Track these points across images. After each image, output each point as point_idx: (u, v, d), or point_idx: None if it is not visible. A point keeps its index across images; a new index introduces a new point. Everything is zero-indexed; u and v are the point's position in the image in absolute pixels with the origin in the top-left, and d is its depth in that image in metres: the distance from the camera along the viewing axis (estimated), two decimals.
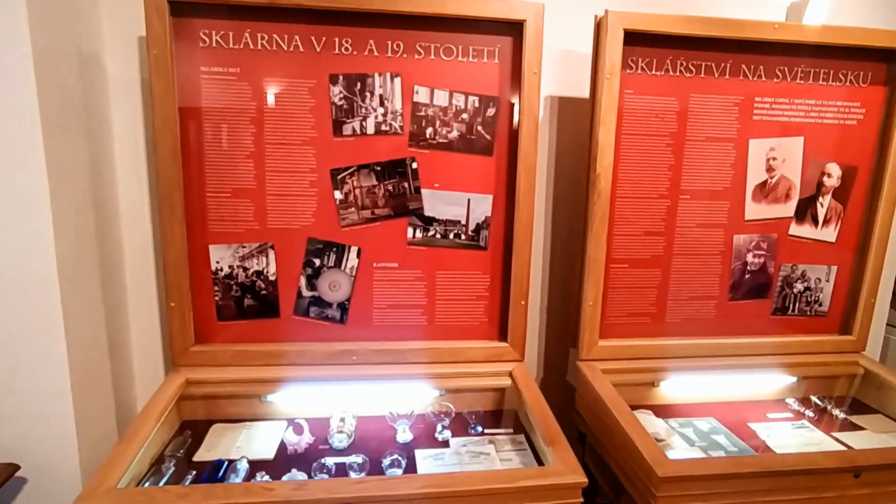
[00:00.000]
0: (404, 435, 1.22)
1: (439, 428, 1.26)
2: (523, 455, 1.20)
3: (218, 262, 1.31)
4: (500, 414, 1.36)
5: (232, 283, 1.32)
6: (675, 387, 1.44)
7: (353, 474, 1.08)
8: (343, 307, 1.37)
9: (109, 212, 1.39)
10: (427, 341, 1.37)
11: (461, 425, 1.29)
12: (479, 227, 1.36)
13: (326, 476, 1.07)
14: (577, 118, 1.54)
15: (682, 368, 1.44)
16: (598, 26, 1.30)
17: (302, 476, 1.08)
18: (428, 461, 1.17)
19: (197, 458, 1.15)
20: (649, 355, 1.44)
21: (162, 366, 1.53)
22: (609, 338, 1.43)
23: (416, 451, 1.19)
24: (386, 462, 1.11)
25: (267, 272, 1.33)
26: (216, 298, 1.32)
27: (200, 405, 1.28)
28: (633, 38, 1.29)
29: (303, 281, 1.34)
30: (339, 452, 1.18)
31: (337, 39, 1.24)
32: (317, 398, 1.32)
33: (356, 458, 1.11)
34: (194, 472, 1.09)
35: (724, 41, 1.32)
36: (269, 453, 1.17)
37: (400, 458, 1.11)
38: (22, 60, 1.07)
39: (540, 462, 1.15)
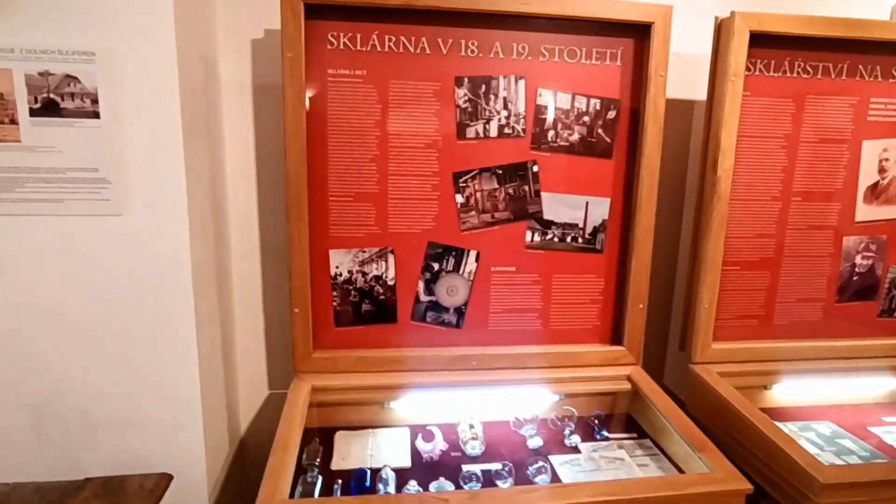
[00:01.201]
0: (534, 441, 1.21)
1: (567, 433, 1.25)
2: (658, 460, 1.19)
3: (337, 267, 1.30)
4: (619, 418, 1.35)
5: (350, 288, 1.31)
6: (786, 390, 1.43)
7: (500, 483, 1.07)
8: (460, 312, 1.35)
9: (222, 217, 1.39)
10: (544, 346, 1.36)
11: (584, 430, 1.28)
12: (595, 231, 1.35)
13: (477, 485, 1.06)
14: (677, 119, 1.53)
15: (793, 371, 1.44)
16: (720, 28, 1.30)
17: (449, 486, 1.07)
18: (565, 467, 1.16)
19: (335, 466, 1.14)
20: (760, 358, 1.43)
21: (265, 371, 1.53)
22: (720, 340, 1.43)
23: (549, 456, 1.18)
24: (532, 469, 1.10)
25: (386, 277, 1.32)
26: (334, 304, 1.31)
27: (322, 412, 1.26)
28: (753, 40, 1.28)
29: (421, 285, 1.33)
30: (474, 459, 1.17)
31: (463, 41, 1.23)
32: (437, 404, 1.31)
33: (494, 465, 1.10)
34: (340, 482, 1.08)
35: (842, 41, 1.32)
36: (404, 461, 1.16)
37: (545, 465, 1.10)
38: (168, 66, 1.06)
39: (679, 468, 1.15)
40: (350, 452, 1.19)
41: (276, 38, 1.32)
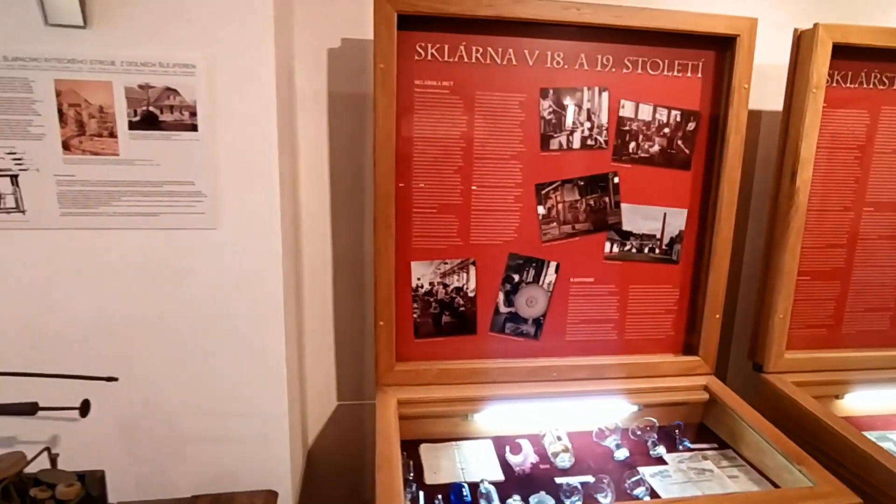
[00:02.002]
0: (621, 452, 1.21)
1: (650, 443, 1.25)
2: (746, 472, 1.19)
3: (419, 279, 1.29)
4: (695, 427, 1.36)
5: (431, 300, 1.30)
6: (857, 399, 1.44)
7: (601, 497, 1.07)
8: (538, 323, 1.35)
9: (298, 228, 1.38)
10: (621, 356, 1.37)
11: (665, 440, 1.27)
12: (672, 241, 1.36)
13: (579, 499, 1.05)
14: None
15: (862, 380, 1.45)
16: (800, 39, 1.30)
17: (550, 501, 1.07)
18: (656, 480, 1.16)
19: (428, 480, 1.13)
20: (830, 367, 1.44)
21: (334, 383, 1.52)
22: (790, 350, 1.44)
23: (638, 468, 1.18)
24: (629, 482, 1.10)
25: (466, 288, 1.31)
26: (415, 316, 1.30)
27: (405, 425, 1.25)
28: (833, 52, 1.29)
29: (501, 297, 1.33)
30: (564, 472, 1.17)
31: (550, 53, 1.22)
32: (518, 415, 1.31)
33: (586, 478, 1.10)
34: (440, 496, 1.07)
35: None
36: (496, 474, 1.16)
37: (642, 479, 1.10)
38: (266, 77, 1.05)
39: (771, 481, 1.15)
40: (440, 466, 1.19)
41: (352, 48, 1.32)
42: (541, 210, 1.30)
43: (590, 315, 1.37)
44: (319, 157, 1.38)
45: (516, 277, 1.32)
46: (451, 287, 1.30)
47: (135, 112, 1.03)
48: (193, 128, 1.04)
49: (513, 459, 1.18)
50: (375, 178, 1.18)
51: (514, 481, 1.15)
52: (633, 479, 1.10)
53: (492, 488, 1.08)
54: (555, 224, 1.31)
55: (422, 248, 1.28)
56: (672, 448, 1.26)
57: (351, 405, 1.51)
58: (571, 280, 1.34)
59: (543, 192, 1.29)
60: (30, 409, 0.74)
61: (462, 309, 1.32)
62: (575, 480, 1.10)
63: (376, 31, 1.13)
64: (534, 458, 1.18)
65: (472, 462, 1.21)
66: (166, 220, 1.06)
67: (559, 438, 1.22)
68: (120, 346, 1.10)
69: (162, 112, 1.03)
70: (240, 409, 1.15)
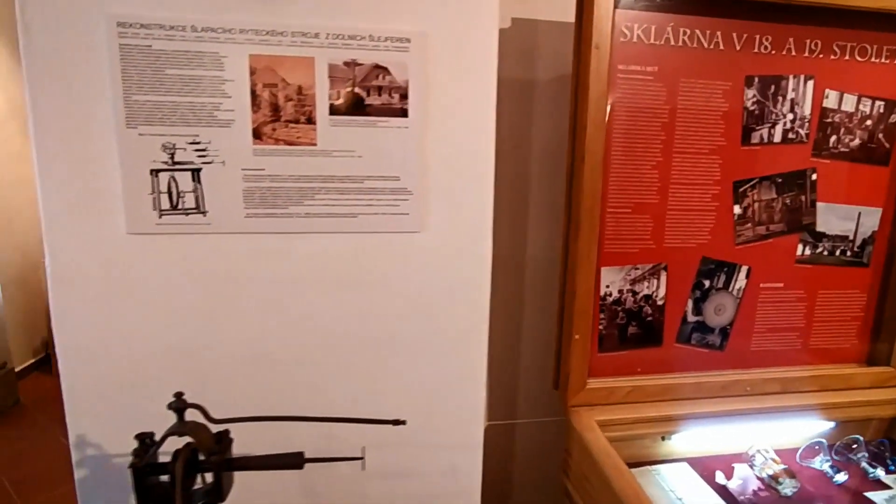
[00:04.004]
0: (840, 475, 1.11)
1: (861, 464, 1.15)
2: None
3: (608, 287, 1.16)
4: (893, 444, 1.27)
5: (619, 309, 1.18)
6: None
7: None
8: (724, 332, 1.24)
9: None
10: (811, 367, 1.26)
11: (873, 459, 1.17)
12: (864, 243, 1.26)
13: None
14: None
15: None
16: None
17: None
18: None
19: None
20: None
21: (484, 401, 1.38)
22: None
23: (865, 494, 1.08)
24: None
25: (656, 296, 1.19)
26: (600, 327, 1.18)
27: None
28: None
29: (690, 305, 1.21)
30: (788, 499, 1.06)
31: (758, 37, 1.11)
32: (710, 434, 1.19)
33: None
34: None
35: None
36: (716, 502, 1.05)
37: None
38: (489, 55, 0.92)
39: None
40: (650, 494, 1.07)
41: (523, 29, 1.19)
42: (737, 210, 1.19)
43: (776, 323, 1.26)
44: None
45: (707, 283, 1.21)
46: (641, 294, 1.18)
47: (338, 94, 0.87)
48: (403, 113, 0.90)
49: (731, 485, 1.07)
50: (583, 174, 1.04)
51: None
52: None
53: None
54: (749, 225, 1.20)
55: (613, 253, 1.15)
56: (884, 468, 1.17)
57: (500, 425, 1.37)
58: (761, 286, 1.23)
59: (741, 189, 1.18)
60: (298, 462, 0.60)
61: (649, 318, 1.20)
62: None
63: (587, 8, 1.01)
64: (754, 484, 1.08)
65: (681, 489, 1.09)
66: (366, 221, 0.91)
67: (775, 461, 1.12)
68: (306, 367, 0.95)
69: (368, 94, 0.88)
70: (431, 439, 1.01)
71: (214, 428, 0.66)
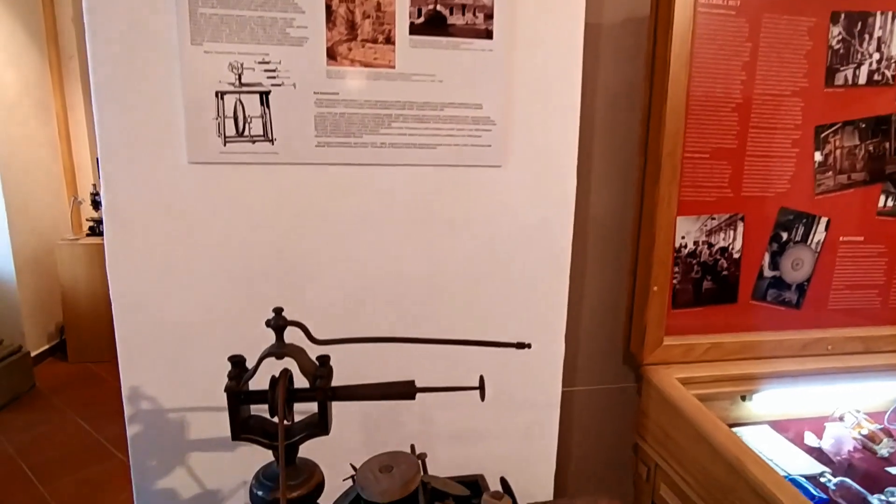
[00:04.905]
0: None
1: None
2: None
3: (683, 238, 1.10)
4: None
5: (693, 262, 1.12)
6: None
7: None
8: (801, 288, 1.18)
9: None
10: (889, 327, 1.21)
11: None
12: None
13: None
14: None
15: None
16: None
17: None
18: None
19: None
20: None
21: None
22: None
23: None
24: None
25: (732, 249, 1.13)
26: (674, 281, 1.12)
27: None
28: None
29: (766, 259, 1.15)
30: (885, 461, 1.00)
31: None
32: (790, 395, 1.12)
33: None
34: None
35: None
36: (810, 464, 0.98)
37: None
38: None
39: None
40: None
41: None
42: (818, 157, 1.12)
43: (855, 279, 1.19)
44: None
45: (784, 236, 1.15)
46: (717, 247, 1.12)
47: (419, 12, 0.81)
48: (488, 34, 0.83)
49: (824, 445, 1.00)
50: (666, 113, 0.98)
51: (840, 472, 0.97)
52: None
53: (835, 480, 0.90)
54: (830, 173, 1.14)
55: (690, 201, 1.08)
56: None
57: (570, 391, 1.30)
58: (841, 239, 1.17)
59: (822, 135, 1.12)
60: (410, 391, 0.53)
61: (724, 273, 1.13)
62: None
63: None
64: (849, 445, 1.01)
65: (769, 450, 1.01)
66: (445, 153, 0.84)
67: (867, 419, 1.05)
68: (372, 310, 0.88)
69: (451, 13, 0.82)
70: (509, 395, 0.94)
71: (312, 355, 0.58)
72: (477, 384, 0.58)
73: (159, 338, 0.84)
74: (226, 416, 0.79)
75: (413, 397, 0.54)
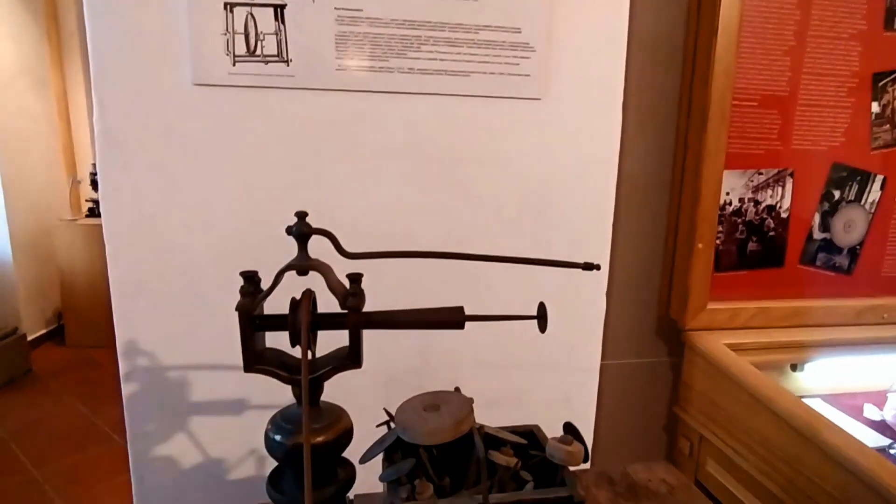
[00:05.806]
0: None
1: None
2: None
3: (728, 194, 1.02)
4: None
5: (738, 221, 1.03)
6: None
7: None
8: (853, 253, 1.10)
9: None
10: None
11: None
12: None
13: None
14: None
15: None
16: None
17: None
18: None
19: None
20: None
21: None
22: None
23: None
24: None
25: (780, 207, 1.04)
26: (717, 241, 1.03)
27: None
28: None
29: (817, 219, 1.07)
30: None
31: None
32: (842, 366, 1.04)
33: None
34: None
35: None
36: (874, 437, 0.89)
37: None
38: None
39: None
40: None
41: None
42: (875, 107, 1.04)
43: None
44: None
45: (837, 194, 1.06)
46: (763, 205, 1.04)
47: None
48: None
49: (887, 416, 0.92)
50: (715, 53, 0.90)
51: None
52: None
53: None
54: (888, 127, 1.05)
55: (737, 154, 1.00)
56: None
57: (614, 364, 1.21)
58: None
59: (881, 84, 1.03)
60: (459, 319, 0.45)
61: (771, 234, 1.05)
62: None
63: None
64: None
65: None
66: (480, 82, 0.76)
67: None
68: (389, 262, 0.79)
69: None
70: (546, 357, 0.86)
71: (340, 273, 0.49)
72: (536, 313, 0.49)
73: (157, 277, 0.75)
74: (232, 376, 0.70)
75: (462, 326, 0.46)
